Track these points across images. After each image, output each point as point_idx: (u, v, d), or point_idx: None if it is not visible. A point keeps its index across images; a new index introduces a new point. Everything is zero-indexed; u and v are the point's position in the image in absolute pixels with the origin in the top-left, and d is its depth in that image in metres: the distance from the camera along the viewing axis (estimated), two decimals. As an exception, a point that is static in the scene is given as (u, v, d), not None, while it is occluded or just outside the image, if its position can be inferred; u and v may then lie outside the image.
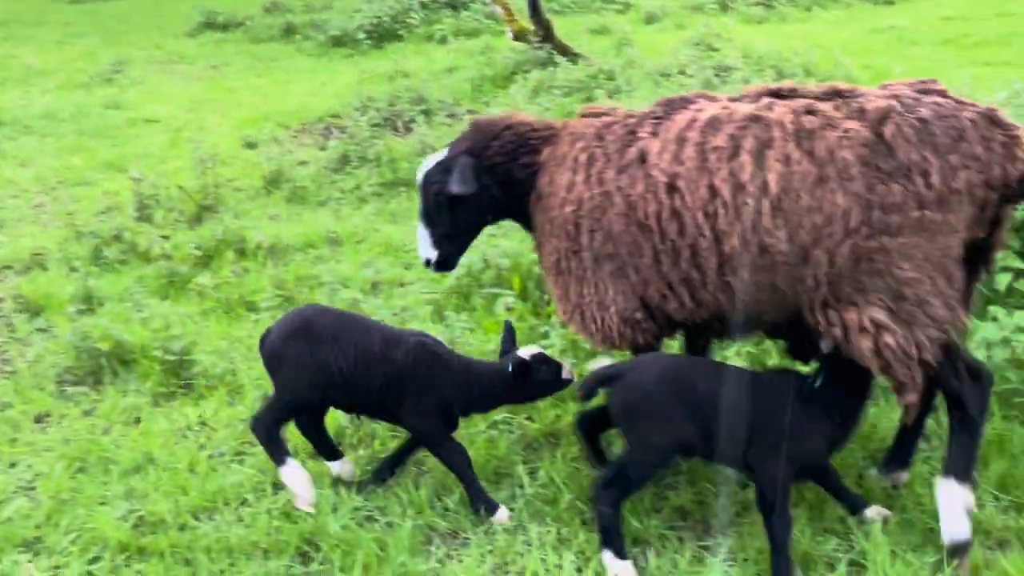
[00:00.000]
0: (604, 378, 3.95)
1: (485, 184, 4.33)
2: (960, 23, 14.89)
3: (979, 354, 4.61)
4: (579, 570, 3.76)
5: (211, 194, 8.47)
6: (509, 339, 4.38)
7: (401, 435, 4.66)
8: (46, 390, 5.38)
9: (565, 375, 4.21)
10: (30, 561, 3.99)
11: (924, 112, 3.54)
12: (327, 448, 4.44)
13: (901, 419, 4.02)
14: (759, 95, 3.91)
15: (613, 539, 3.73)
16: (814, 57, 11.00)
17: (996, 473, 4.15)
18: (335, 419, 4.80)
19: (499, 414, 4.84)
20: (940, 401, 4.04)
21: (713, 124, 3.80)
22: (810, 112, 3.67)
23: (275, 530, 4.09)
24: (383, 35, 16.24)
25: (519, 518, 4.11)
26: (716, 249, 3.75)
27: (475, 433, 4.66)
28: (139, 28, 19.35)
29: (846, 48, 12.37)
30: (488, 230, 6.67)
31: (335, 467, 4.41)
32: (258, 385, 5.28)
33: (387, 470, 4.39)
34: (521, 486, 4.28)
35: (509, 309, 5.73)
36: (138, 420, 5.09)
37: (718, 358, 4.67)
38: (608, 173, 3.99)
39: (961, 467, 3.73)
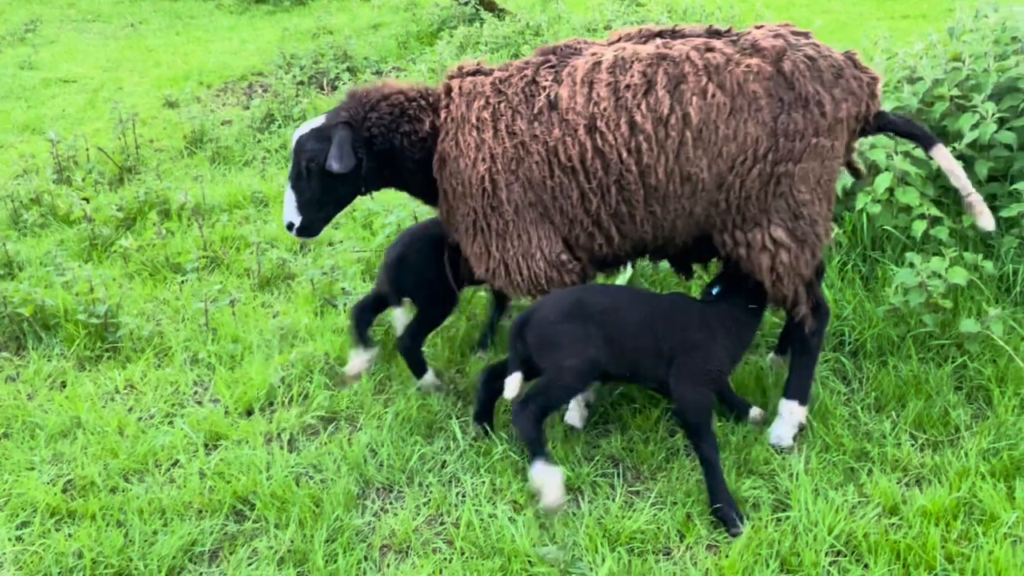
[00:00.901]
0: (521, 323, 4.04)
1: (360, 158, 4.26)
2: (879, -22, 15.11)
3: (895, 299, 4.77)
4: (512, 519, 3.82)
5: (132, 155, 8.30)
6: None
7: (330, 395, 4.67)
8: (-34, 357, 5.26)
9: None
10: (-44, 529, 3.92)
11: (809, 51, 3.93)
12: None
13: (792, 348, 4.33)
14: (644, 36, 4.12)
15: (537, 450, 3.88)
16: (738, 12, 11.10)
17: (913, 413, 4.30)
18: (266, 380, 4.78)
19: (433, 368, 4.87)
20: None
21: (620, 64, 3.97)
22: (709, 49, 3.92)
23: (208, 490, 4.08)
24: (306, -9, 15.96)
25: (453, 470, 4.16)
26: (642, 182, 3.95)
27: (408, 386, 4.68)
28: (51, -15, 18.69)
29: (768, 3, 12.50)
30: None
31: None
32: (186, 347, 5.23)
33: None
34: (455, 439, 4.32)
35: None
36: (64, 384, 5.01)
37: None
38: (519, 124, 4.05)
39: (801, 391, 4.21)
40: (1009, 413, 4.26)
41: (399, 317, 4.69)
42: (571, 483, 4.03)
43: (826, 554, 3.58)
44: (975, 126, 5.14)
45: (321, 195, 4.35)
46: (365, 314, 4.82)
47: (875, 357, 4.74)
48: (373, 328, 4.94)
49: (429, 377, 4.68)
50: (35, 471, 4.26)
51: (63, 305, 5.49)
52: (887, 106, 5.25)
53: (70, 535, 3.88)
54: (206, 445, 4.42)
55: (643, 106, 3.89)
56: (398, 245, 4.75)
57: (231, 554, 3.78)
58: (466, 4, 12.28)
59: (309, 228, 4.45)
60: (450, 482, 4.11)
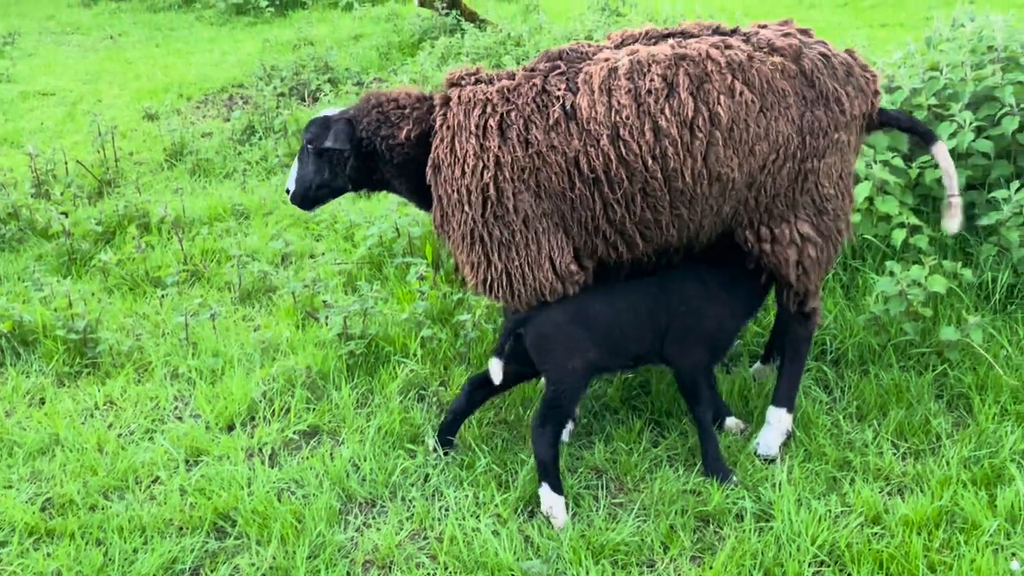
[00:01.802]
0: (518, 322, 4.03)
1: (350, 153, 4.31)
2: (857, -14, 15.21)
3: (876, 308, 4.78)
4: (496, 533, 3.80)
5: (111, 168, 8.25)
6: None
7: (311, 407, 4.65)
8: (-57, 374, 5.21)
9: None
10: (-67, 549, 3.88)
11: (820, 49, 4.01)
12: None
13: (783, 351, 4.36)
14: (651, 37, 4.09)
15: (550, 474, 3.90)
16: (719, 21, 11.13)
17: (895, 421, 4.32)
18: (247, 394, 4.76)
19: (416, 381, 4.86)
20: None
21: (637, 69, 3.89)
22: (728, 47, 3.91)
23: (189, 506, 4.05)
24: (286, 2, 15.93)
25: (436, 483, 4.14)
26: (668, 187, 3.90)
27: (391, 400, 4.66)
28: (30, -2, 18.61)
29: (748, 11, 12.54)
30: (399, 199, 6.66)
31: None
32: (166, 362, 5.20)
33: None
34: (437, 451, 4.30)
35: (422, 278, 5.72)
36: (42, 401, 4.97)
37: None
38: (535, 134, 3.94)
39: (789, 398, 4.25)
40: (989, 421, 4.27)
41: None
42: (554, 496, 4.02)
43: (809, 564, 3.58)
44: (953, 135, 5.18)
45: (312, 175, 4.44)
46: None
47: (856, 366, 4.76)
48: None
49: None
50: (13, 489, 4.22)
51: (41, 321, 5.44)
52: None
53: (49, 554, 3.84)
54: (187, 461, 4.38)
55: (667, 110, 3.82)
56: None
57: (212, 572, 3.75)
58: (447, 15, 12.29)
59: (300, 200, 4.54)
60: (433, 496, 4.09)
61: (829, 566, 3.60)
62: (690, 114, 3.81)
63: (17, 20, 16.05)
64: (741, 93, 3.82)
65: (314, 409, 4.68)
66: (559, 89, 3.98)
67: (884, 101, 5.50)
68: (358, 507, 4.08)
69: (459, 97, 4.12)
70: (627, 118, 3.84)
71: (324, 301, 5.60)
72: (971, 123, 5.13)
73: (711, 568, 3.58)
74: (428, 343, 5.10)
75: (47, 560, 3.79)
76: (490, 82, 4.13)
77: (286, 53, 12.05)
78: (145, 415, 4.77)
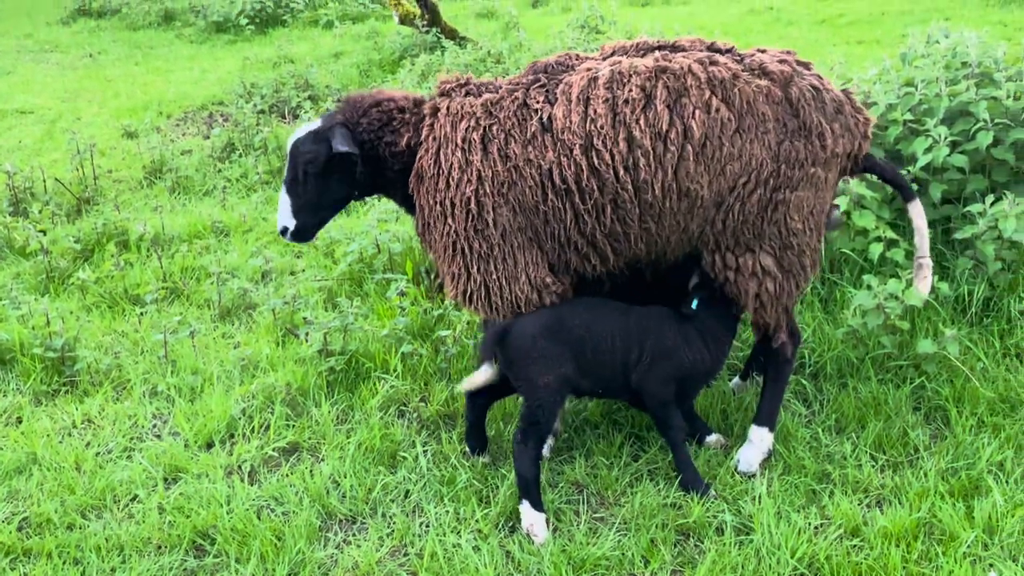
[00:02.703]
0: (499, 334, 4.03)
1: (353, 159, 4.27)
2: (834, 4, 15.36)
3: (854, 321, 4.81)
4: (476, 549, 3.80)
5: (90, 186, 8.22)
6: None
7: (292, 426, 4.63)
8: (-81, 393, 5.16)
9: None
10: (-93, 571, 3.83)
11: (814, 82, 3.94)
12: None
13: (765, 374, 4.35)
14: (641, 49, 4.06)
15: (531, 492, 3.89)
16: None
17: (873, 434, 4.34)
18: (226, 412, 4.73)
19: (397, 397, 4.85)
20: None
21: (617, 79, 3.89)
22: (713, 63, 3.87)
23: (167, 525, 4.02)
24: (266, 20, 15.96)
25: (417, 499, 4.13)
26: (638, 199, 3.89)
27: (371, 416, 4.65)
28: (8, 16, 18.58)
29: (726, 29, 12.68)
30: (379, 215, 6.66)
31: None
32: (145, 380, 5.17)
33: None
34: (418, 468, 4.29)
35: (402, 294, 5.72)
36: (19, 420, 4.93)
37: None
38: (513, 148, 3.97)
39: (771, 417, 4.25)
40: (966, 433, 4.30)
41: None
42: (535, 511, 4.02)
43: (789, 577, 3.59)
44: (928, 150, 5.23)
45: (318, 197, 4.31)
46: None
47: (835, 379, 4.79)
48: None
49: None
50: (-11, 509, 4.18)
51: (19, 339, 5.41)
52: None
53: (26, 574, 3.80)
54: (165, 479, 4.36)
55: (642, 121, 3.81)
56: None
57: (191, 590, 3.73)
58: (427, 32, 12.34)
59: (303, 232, 4.40)
60: (414, 512, 4.08)
61: (809, 578, 3.61)
62: (664, 126, 3.80)
63: (-5, 38, 16.00)
64: (718, 110, 3.80)
65: (294, 426, 4.66)
66: (538, 102, 4.00)
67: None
68: (338, 524, 4.06)
69: (447, 109, 4.14)
70: (602, 127, 3.85)
71: (304, 318, 5.59)
72: (946, 138, 5.18)
73: (692, 582, 3.58)
74: (408, 359, 5.10)
75: (24, 580, 3.75)
76: (478, 94, 4.15)
77: (266, 71, 12.06)
78: (123, 433, 4.74)
